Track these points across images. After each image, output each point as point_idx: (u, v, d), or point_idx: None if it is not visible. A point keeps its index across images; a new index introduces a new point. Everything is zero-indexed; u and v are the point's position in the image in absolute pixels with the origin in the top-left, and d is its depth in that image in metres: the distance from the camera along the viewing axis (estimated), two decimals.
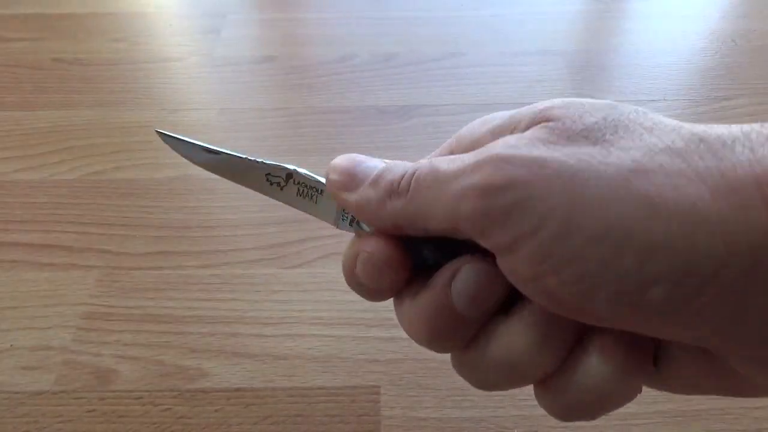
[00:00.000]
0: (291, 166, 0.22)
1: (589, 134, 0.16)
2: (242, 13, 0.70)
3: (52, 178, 0.49)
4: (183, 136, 0.23)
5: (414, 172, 0.19)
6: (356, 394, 0.35)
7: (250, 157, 0.22)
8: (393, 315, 0.29)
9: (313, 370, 0.37)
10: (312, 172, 0.22)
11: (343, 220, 0.22)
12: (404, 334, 0.39)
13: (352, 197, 0.20)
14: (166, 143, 0.24)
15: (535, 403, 0.19)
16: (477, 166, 0.17)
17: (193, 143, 0.23)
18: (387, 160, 0.20)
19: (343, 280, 0.21)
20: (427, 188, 0.18)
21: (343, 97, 0.57)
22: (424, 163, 0.19)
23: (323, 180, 0.21)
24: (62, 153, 0.52)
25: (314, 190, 0.22)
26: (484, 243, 0.17)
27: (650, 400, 0.35)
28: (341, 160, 0.20)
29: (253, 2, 0.74)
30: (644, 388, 0.19)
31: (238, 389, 0.36)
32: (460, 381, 0.20)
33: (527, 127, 0.18)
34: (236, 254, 0.43)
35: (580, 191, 0.15)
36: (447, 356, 0.37)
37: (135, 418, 0.35)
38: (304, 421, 0.34)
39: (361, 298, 0.21)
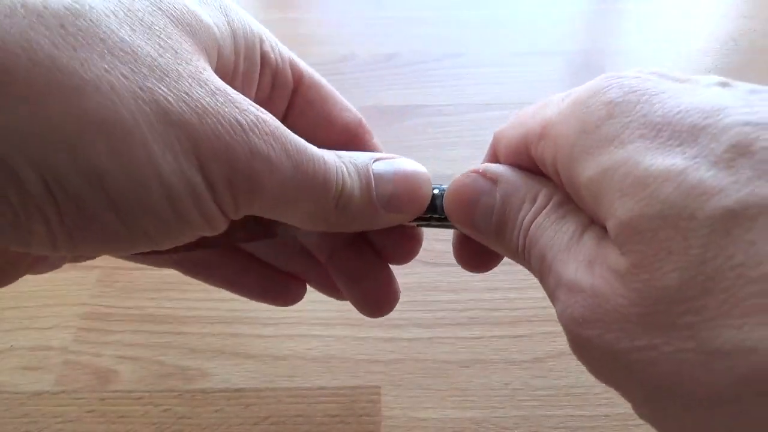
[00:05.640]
0: None
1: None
2: None
3: None
4: None
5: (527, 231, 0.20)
6: (356, 394, 0.35)
7: None
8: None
9: (313, 370, 0.37)
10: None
11: None
12: (404, 334, 0.39)
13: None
14: None
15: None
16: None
17: None
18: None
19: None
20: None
21: (344, 96, 0.57)
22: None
23: None
24: None
25: None
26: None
27: None
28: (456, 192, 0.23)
29: (253, 2, 0.74)
30: None
31: (238, 389, 0.36)
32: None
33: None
34: None
35: None
36: (447, 356, 0.36)
37: (135, 418, 0.35)
38: (304, 421, 0.34)
39: None
